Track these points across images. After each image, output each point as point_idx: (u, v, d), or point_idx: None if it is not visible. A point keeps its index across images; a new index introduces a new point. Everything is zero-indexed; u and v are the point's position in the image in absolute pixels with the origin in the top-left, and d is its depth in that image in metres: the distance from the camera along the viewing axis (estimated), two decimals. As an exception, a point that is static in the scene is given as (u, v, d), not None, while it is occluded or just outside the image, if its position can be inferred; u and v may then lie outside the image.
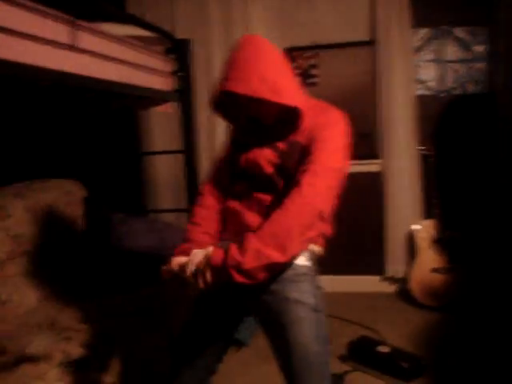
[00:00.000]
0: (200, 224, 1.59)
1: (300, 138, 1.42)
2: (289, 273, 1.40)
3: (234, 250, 1.27)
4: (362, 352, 2.64)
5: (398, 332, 2.93)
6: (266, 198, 1.45)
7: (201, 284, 1.30)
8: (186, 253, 1.41)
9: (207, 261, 1.29)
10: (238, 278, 1.24)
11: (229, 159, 1.64)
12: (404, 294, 3.51)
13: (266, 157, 1.45)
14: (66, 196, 2.72)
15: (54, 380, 1.68)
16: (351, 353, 2.66)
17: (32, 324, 2.10)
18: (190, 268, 1.32)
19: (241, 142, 1.59)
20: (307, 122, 1.42)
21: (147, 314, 2.29)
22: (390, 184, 3.52)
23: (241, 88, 1.38)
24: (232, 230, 1.54)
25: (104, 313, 2.19)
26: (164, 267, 1.45)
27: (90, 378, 1.81)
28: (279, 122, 1.49)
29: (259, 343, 2.88)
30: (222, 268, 1.26)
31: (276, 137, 1.47)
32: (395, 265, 3.58)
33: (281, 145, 1.45)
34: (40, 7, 1.64)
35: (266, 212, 1.40)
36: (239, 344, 2.83)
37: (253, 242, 1.27)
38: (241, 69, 1.40)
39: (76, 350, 1.84)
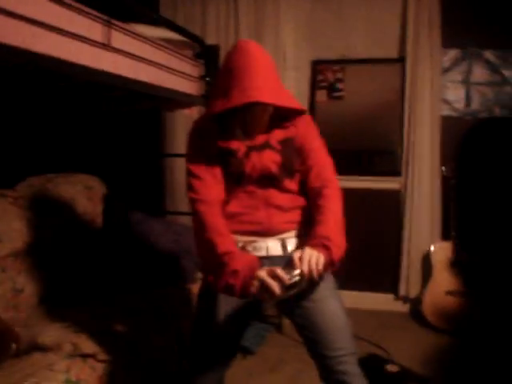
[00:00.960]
0: (228, 235, 1.51)
1: (288, 133, 1.59)
2: None
3: (335, 247, 1.43)
4: (369, 370, 2.57)
5: (407, 352, 2.89)
6: (274, 192, 1.58)
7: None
8: (255, 266, 1.41)
9: (319, 258, 1.39)
10: (338, 266, 1.48)
11: (217, 166, 1.56)
12: (417, 314, 3.47)
13: (270, 159, 1.55)
14: (87, 191, 2.76)
15: (62, 371, 1.69)
16: (359, 369, 2.64)
17: (44, 315, 2.14)
18: (309, 267, 1.37)
19: (229, 147, 1.55)
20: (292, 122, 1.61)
21: (157, 314, 2.30)
22: (410, 202, 3.50)
23: (273, 99, 1.43)
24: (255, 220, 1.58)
25: (115, 310, 2.21)
26: (261, 282, 1.37)
27: (97, 372, 1.82)
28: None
29: (266, 352, 2.88)
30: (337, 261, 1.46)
31: (266, 136, 1.57)
32: (410, 284, 3.54)
33: (275, 144, 1.56)
34: (76, 4, 1.68)
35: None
36: (246, 351, 2.83)
37: (334, 234, 1.46)
38: (263, 78, 1.42)
39: (84, 344, 1.85)
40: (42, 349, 1.81)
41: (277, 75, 1.50)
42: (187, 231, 2.92)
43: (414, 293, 3.54)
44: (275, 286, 1.33)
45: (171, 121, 3.77)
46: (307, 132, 1.62)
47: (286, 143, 1.57)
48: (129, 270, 2.64)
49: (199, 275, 2.75)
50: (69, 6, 1.64)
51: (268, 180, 1.56)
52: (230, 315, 1.59)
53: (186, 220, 3.53)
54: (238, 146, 1.55)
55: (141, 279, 2.60)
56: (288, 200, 1.59)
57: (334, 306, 1.56)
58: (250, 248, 1.57)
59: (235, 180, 1.56)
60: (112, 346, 1.91)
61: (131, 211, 2.94)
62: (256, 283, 1.37)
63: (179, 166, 3.78)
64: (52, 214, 2.46)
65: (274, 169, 1.54)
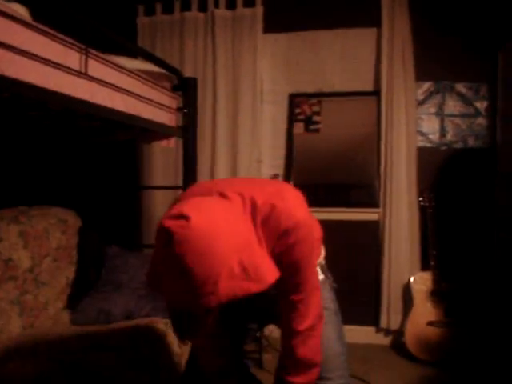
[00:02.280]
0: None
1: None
2: None
3: None
4: (353, 404, 2.55)
5: (390, 385, 2.84)
6: None
7: None
8: None
9: None
10: None
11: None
12: (399, 346, 3.43)
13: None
14: (61, 225, 2.69)
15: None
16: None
17: (14, 351, 2.04)
18: None
19: None
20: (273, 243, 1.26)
21: (134, 349, 2.22)
22: (389, 233, 3.50)
23: (214, 301, 1.08)
24: None
25: (89, 345, 2.13)
26: None
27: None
28: None
29: None
30: None
31: None
32: (391, 316, 3.51)
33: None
34: (52, 31, 1.67)
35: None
36: None
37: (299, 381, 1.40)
38: (201, 281, 1.05)
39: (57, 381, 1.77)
40: None
41: (229, 250, 1.08)
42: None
43: (395, 325, 3.51)
44: None
45: (148, 153, 3.75)
46: (290, 254, 1.29)
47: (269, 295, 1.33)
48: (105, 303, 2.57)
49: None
50: (45, 33, 1.63)
51: None
52: None
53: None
54: None
55: (117, 313, 2.52)
56: None
57: (329, 333, 1.53)
58: None
59: None
60: (86, 381, 1.83)
61: (107, 245, 2.87)
62: None
63: (156, 199, 3.74)
64: (26, 247, 2.39)
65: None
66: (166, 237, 1.06)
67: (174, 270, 1.06)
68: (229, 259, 1.08)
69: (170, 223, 1.07)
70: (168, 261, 1.08)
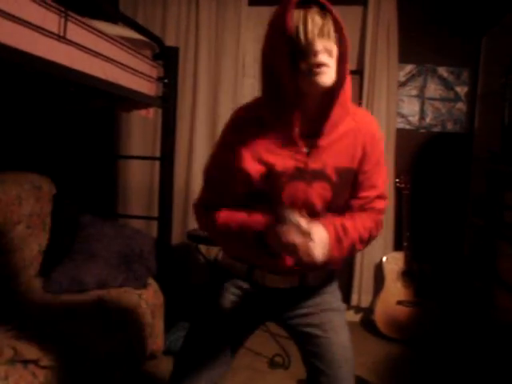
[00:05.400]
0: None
1: (352, 163, 1.31)
2: (332, 285, 1.51)
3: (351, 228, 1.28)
4: (320, 378, 2.60)
5: (358, 360, 2.82)
6: None
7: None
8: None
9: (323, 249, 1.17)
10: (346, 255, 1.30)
11: (243, 173, 1.27)
12: (368, 324, 3.50)
13: (319, 194, 1.28)
14: (35, 191, 2.64)
15: (0, 378, 1.59)
16: (310, 378, 2.62)
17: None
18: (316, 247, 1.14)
19: (272, 163, 1.25)
20: (359, 139, 1.32)
21: (105, 318, 2.22)
22: (364, 212, 3.52)
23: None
24: None
25: (60, 314, 2.12)
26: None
27: (38, 379, 1.72)
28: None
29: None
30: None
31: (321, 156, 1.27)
32: (362, 294, 3.57)
33: (332, 173, 1.27)
34: (32, -8, 1.61)
35: None
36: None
37: (353, 226, 1.29)
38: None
39: (26, 349, 1.76)
40: (-21, 354, 1.70)
41: None
42: (139, 235, 2.85)
43: (365, 303, 3.57)
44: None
45: (127, 122, 3.69)
46: (370, 153, 1.35)
47: (345, 175, 1.30)
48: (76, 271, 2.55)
49: (150, 280, 2.69)
50: (23, -7, 1.57)
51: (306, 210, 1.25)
52: (236, 318, 1.47)
53: (138, 224, 3.45)
54: (285, 162, 1.25)
55: (89, 283, 2.51)
56: None
57: (345, 337, 1.48)
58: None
59: (258, 199, 1.29)
60: (56, 351, 1.82)
61: (81, 213, 2.84)
62: None
63: (133, 169, 3.70)
64: (-3, 212, 2.34)
65: (319, 205, 1.29)
66: None
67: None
68: None
69: None
70: None
